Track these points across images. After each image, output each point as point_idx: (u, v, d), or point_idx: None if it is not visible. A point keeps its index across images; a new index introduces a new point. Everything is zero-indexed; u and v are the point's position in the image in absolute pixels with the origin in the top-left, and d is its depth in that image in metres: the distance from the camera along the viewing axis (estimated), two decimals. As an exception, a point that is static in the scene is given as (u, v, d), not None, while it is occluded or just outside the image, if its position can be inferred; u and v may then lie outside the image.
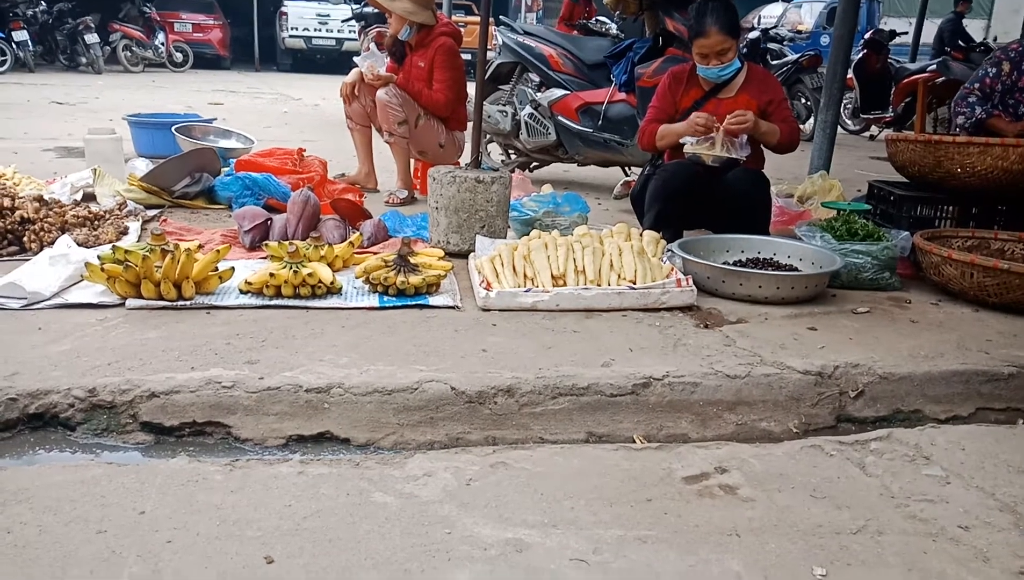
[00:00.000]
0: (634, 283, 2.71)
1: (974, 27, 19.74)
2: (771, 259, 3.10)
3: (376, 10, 6.86)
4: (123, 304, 2.51)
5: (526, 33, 5.21)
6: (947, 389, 2.29)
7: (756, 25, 12.95)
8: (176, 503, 1.57)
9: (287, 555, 1.43)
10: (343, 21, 15.11)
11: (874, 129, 9.51)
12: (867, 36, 9.29)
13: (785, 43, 9.71)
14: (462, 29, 4.73)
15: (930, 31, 13.60)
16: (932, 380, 2.29)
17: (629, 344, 2.37)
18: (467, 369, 2.13)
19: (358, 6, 10.92)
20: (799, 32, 14.22)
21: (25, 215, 3.11)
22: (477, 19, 15.82)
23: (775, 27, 12.19)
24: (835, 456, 1.90)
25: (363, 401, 2.01)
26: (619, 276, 2.76)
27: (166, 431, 1.94)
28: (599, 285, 2.72)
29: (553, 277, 2.73)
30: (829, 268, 2.91)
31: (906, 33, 10.58)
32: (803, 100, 8.62)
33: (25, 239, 3.04)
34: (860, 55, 8.91)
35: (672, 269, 2.85)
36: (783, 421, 2.16)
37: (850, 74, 8.42)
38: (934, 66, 8.50)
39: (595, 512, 1.62)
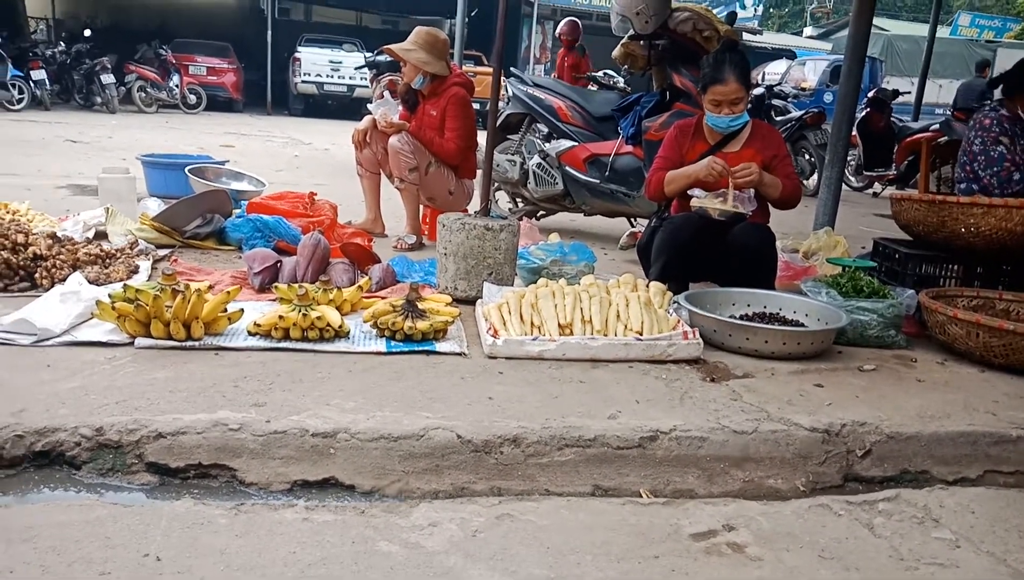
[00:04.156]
0: (640, 334, 2.72)
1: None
2: (777, 314, 3.11)
3: (389, 58, 7.01)
4: (132, 343, 2.52)
5: (535, 85, 5.31)
6: (955, 450, 2.28)
7: (760, 82, 13.17)
8: (181, 546, 1.56)
9: (291, 604, 1.42)
10: (356, 69, 15.38)
11: (877, 186, 9.62)
12: (870, 95, 9.44)
13: (789, 100, 9.87)
14: (472, 79, 4.81)
15: (932, 91, 13.80)
16: (939, 441, 2.28)
17: (635, 396, 2.37)
18: (473, 417, 2.13)
19: (371, 54, 11.14)
20: (803, 89, 14.45)
21: (38, 251, 3.14)
22: (486, 70, 16.11)
23: (779, 84, 12.40)
24: (843, 516, 1.89)
25: (369, 447, 2.00)
26: (626, 327, 2.77)
27: (171, 472, 1.93)
28: (606, 335, 2.73)
29: (560, 326, 2.75)
30: (835, 325, 2.92)
31: (908, 93, 10.76)
32: (807, 156, 8.74)
33: (37, 275, 3.07)
34: (864, 113, 9.05)
35: (678, 321, 2.86)
36: (790, 478, 2.15)
37: (854, 132, 8.55)
38: (936, 126, 8.63)
39: (601, 568, 1.60)
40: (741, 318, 3.03)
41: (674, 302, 3.03)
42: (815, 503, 1.96)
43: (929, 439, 2.27)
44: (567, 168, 4.95)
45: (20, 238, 3.15)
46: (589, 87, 7.45)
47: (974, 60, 22.67)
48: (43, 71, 13.73)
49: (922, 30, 18.74)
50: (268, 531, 1.64)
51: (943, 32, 21.74)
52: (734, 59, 3.34)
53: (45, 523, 1.62)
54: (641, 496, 2.00)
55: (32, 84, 13.52)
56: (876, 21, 5.96)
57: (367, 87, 12.55)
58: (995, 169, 3.77)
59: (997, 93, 4.15)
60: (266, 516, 1.71)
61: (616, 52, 4.84)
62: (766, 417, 2.27)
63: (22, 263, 3.07)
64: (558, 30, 10.08)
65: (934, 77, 15.06)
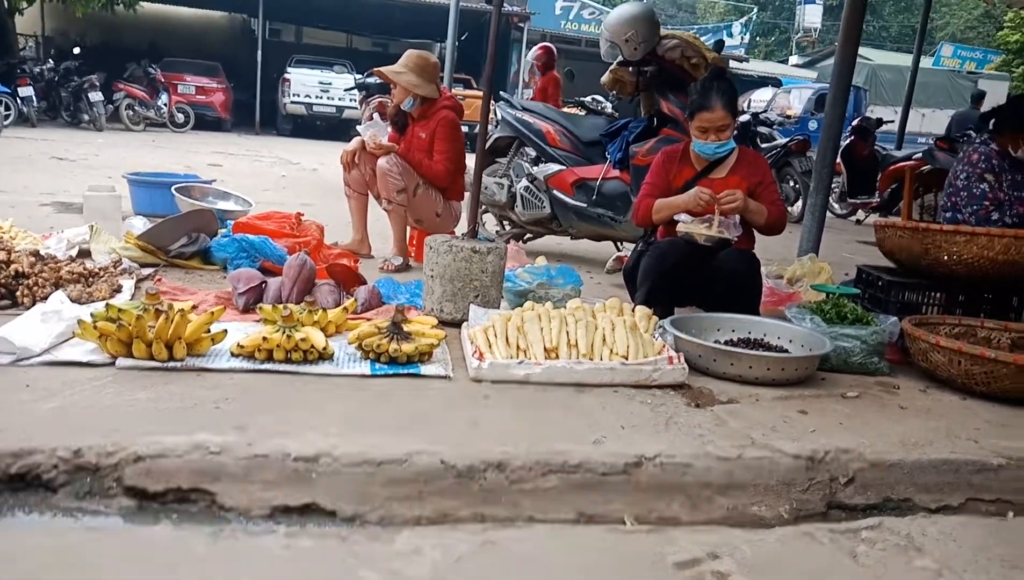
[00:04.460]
0: (626, 359, 2.72)
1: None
2: (761, 340, 3.13)
3: (378, 80, 7.05)
4: (114, 363, 2.49)
5: (524, 109, 5.35)
6: (937, 478, 2.28)
7: (746, 109, 13.34)
8: (158, 573, 1.53)
9: (269, 632, 1.40)
10: (346, 90, 15.47)
11: (861, 213, 9.72)
12: (855, 123, 9.57)
13: (774, 127, 9.99)
14: (461, 102, 4.84)
15: (915, 120, 14.00)
16: (922, 468, 2.28)
17: (621, 421, 2.36)
18: (457, 442, 2.11)
19: (361, 76, 11.20)
20: (788, 117, 14.64)
21: (20, 269, 3.10)
22: (475, 93, 16.18)
23: (765, 111, 12.57)
24: (827, 544, 1.89)
25: (351, 472, 1.98)
26: (611, 351, 2.77)
27: (150, 496, 1.89)
28: (591, 359, 2.73)
29: (546, 350, 2.74)
30: (819, 351, 2.93)
31: (892, 121, 10.93)
32: (791, 183, 8.83)
33: (18, 293, 3.03)
34: (848, 141, 9.17)
35: (664, 346, 2.87)
36: (774, 506, 2.14)
37: (838, 160, 8.65)
38: (920, 154, 8.76)
39: (585, 596, 1.59)
40: (726, 343, 3.04)
41: (659, 327, 3.03)
42: (799, 531, 1.95)
43: (912, 467, 2.27)
44: (555, 192, 4.97)
45: (2, 256, 3.12)
46: (577, 112, 7.51)
47: (956, 90, 23.08)
48: (31, 88, 13.71)
49: (905, 60, 19.09)
50: (248, 558, 1.62)
51: (926, 62, 22.15)
52: (721, 87, 3.38)
53: (19, 548, 1.59)
54: (625, 523, 1.99)
55: (19, 101, 13.49)
56: (861, 51, 6.07)
57: (356, 108, 12.61)
58: (975, 207, 3.83)
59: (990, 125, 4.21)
60: (246, 542, 1.69)
61: (605, 78, 4.89)
62: (750, 443, 2.27)
63: (3, 281, 3.04)
64: (530, 55, 10.13)
65: (917, 106, 15.30)
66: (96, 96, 14.29)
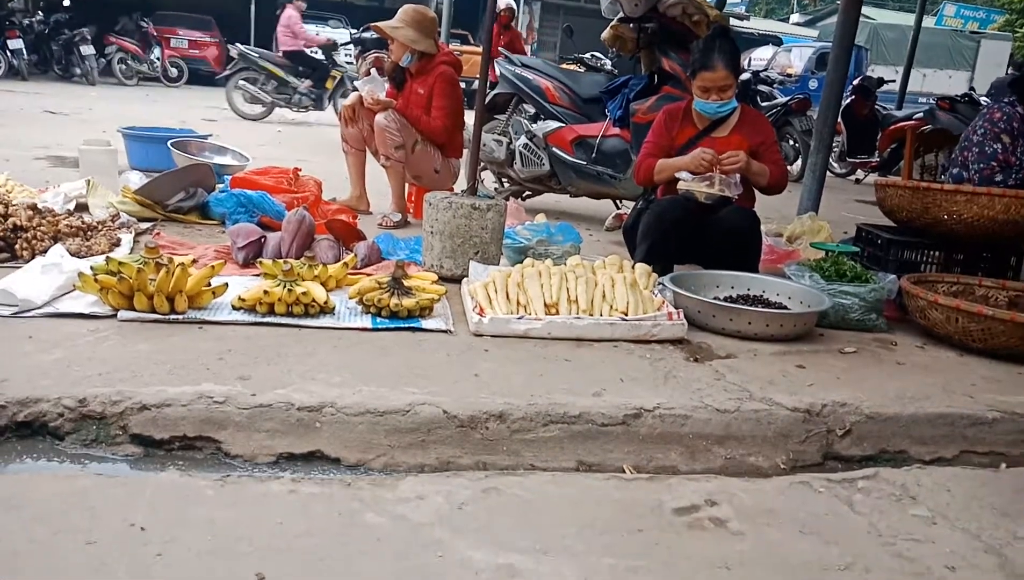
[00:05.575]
0: (626, 314, 2.74)
1: (960, 78, 20.26)
2: (760, 296, 3.14)
3: (375, 36, 6.94)
4: (115, 315, 2.49)
5: (523, 65, 5.28)
6: (932, 431, 2.32)
7: (747, 67, 13.18)
8: (167, 516, 1.56)
9: (279, 573, 1.43)
10: (342, 45, 15.22)
11: (860, 173, 9.69)
12: (856, 82, 9.48)
13: (775, 86, 9.89)
14: (459, 58, 4.77)
15: (916, 80, 13.85)
16: (918, 422, 2.32)
17: (620, 375, 2.39)
18: (459, 393, 2.14)
19: (356, 31, 11.02)
20: (788, 75, 14.50)
21: (18, 222, 3.09)
22: (473, 49, 15.92)
23: (765, 70, 12.42)
24: (823, 493, 1.92)
25: (355, 421, 2.00)
26: (611, 307, 2.78)
27: (156, 444, 1.92)
28: (591, 315, 2.74)
29: (546, 305, 2.75)
30: (817, 307, 2.95)
31: (893, 81, 10.83)
32: (791, 142, 8.77)
33: (17, 247, 3.02)
34: (848, 100, 9.09)
35: (663, 302, 2.88)
36: (771, 456, 2.18)
37: (838, 119, 8.59)
38: (921, 114, 8.70)
39: (587, 541, 1.62)
40: (725, 300, 3.05)
41: (659, 283, 3.04)
42: (796, 480, 1.99)
43: (908, 420, 2.31)
44: (554, 149, 4.94)
45: (0, 209, 3.10)
46: (576, 69, 7.41)
47: (958, 50, 22.82)
48: (20, 40, 13.45)
49: (907, 19, 18.85)
50: (254, 502, 1.65)
51: (928, 22, 21.88)
52: (723, 46, 3.34)
53: (29, 493, 1.61)
54: (625, 472, 2.02)
55: (9, 53, 13.27)
56: (863, 10, 5.99)
57: (352, 63, 12.42)
58: (981, 165, 3.81)
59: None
60: (252, 488, 1.71)
61: (605, 34, 4.82)
62: (748, 396, 2.29)
63: (1, 234, 3.03)
64: (499, 7, 10.08)
65: (918, 66, 15.15)
66: (88, 50, 14.06)
